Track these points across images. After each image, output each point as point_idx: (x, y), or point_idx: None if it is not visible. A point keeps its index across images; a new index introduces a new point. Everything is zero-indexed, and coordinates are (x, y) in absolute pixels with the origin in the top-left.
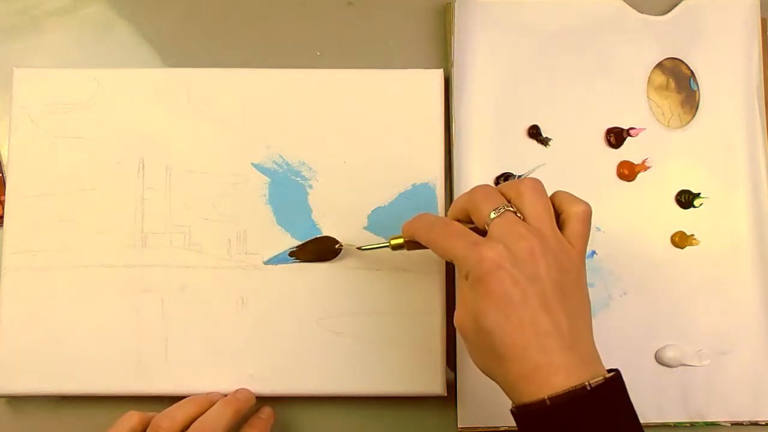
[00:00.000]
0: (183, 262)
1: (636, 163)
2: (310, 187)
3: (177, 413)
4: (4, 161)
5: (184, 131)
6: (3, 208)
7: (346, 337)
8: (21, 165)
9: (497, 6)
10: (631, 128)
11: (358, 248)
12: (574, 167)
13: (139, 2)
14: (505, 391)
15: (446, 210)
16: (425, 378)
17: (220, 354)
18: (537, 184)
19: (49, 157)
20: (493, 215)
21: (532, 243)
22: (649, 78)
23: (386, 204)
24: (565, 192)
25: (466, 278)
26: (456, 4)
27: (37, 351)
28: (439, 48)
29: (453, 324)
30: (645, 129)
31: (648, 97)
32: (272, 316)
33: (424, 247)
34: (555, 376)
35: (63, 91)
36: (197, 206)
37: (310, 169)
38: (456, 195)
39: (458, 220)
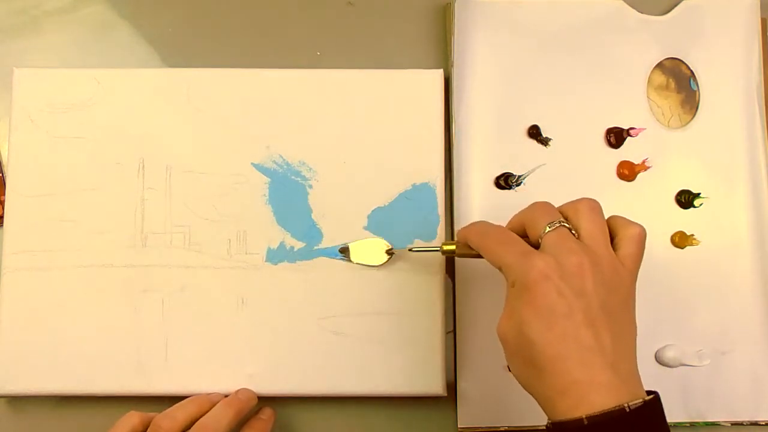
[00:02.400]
0: (183, 262)
1: (636, 163)
2: (310, 187)
3: (178, 413)
4: (4, 161)
5: (184, 131)
6: (3, 208)
7: (346, 337)
8: (21, 165)
9: (497, 6)
10: (631, 128)
11: (409, 250)
12: (574, 167)
13: (139, 2)
14: (541, 405)
15: (446, 210)
16: (425, 378)
17: (220, 354)
18: (595, 204)
19: (49, 157)
20: (547, 229)
21: (582, 258)
22: (649, 78)
23: (386, 204)
24: (621, 216)
25: (513, 286)
26: (456, 4)
27: (37, 351)
28: (439, 48)
29: (453, 324)
30: (645, 129)
31: (648, 97)
32: (272, 316)
33: (475, 255)
34: (594, 394)
35: (63, 91)
36: (197, 206)
37: (310, 169)
38: (456, 195)
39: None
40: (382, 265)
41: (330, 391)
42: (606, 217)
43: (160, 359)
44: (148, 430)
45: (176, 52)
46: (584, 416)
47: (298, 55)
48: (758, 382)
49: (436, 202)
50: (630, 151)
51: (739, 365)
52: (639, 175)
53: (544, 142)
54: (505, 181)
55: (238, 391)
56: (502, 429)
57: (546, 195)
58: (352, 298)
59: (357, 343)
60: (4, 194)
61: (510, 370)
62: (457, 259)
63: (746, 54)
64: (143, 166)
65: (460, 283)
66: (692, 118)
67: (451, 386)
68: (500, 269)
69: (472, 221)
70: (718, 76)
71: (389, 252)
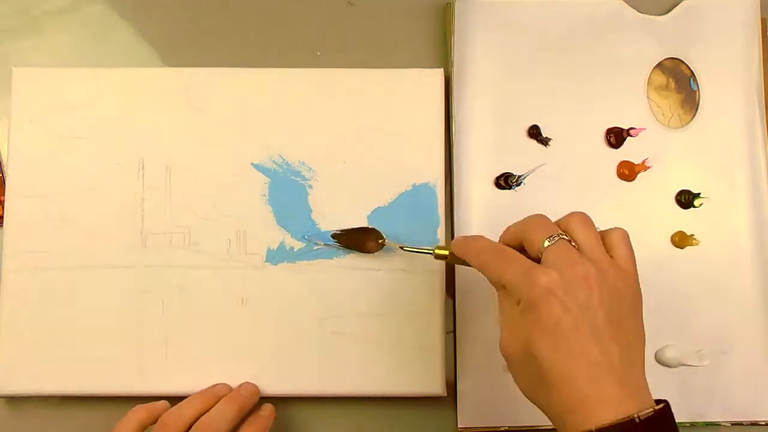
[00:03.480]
0: (183, 262)
1: (636, 163)
2: (310, 187)
3: (184, 410)
4: (4, 161)
5: (184, 131)
6: (3, 208)
7: (346, 337)
8: (21, 165)
9: (497, 6)
10: (631, 128)
11: (401, 247)
12: (574, 167)
13: (139, 2)
14: (551, 420)
15: (446, 210)
16: (425, 378)
17: (220, 354)
18: (585, 216)
19: (49, 157)
20: (547, 243)
21: (587, 269)
22: (649, 78)
23: (386, 204)
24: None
25: (518, 304)
26: (456, 4)
27: (37, 351)
28: (439, 48)
29: (453, 324)
30: (645, 129)
31: (648, 97)
32: (272, 316)
33: (467, 264)
34: (603, 409)
35: (63, 91)
36: (197, 206)
37: (310, 169)
38: (456, 195)
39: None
40: (372, 254)
41: (330, 391)
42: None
43: (160, 359)
44: (156, 426)
45: (176, 52)
46: (594, 429)
47: (298, 55)
48: (758, 382)
49: (436, 202)
50: (630, 151)
51: (739, 365)
52: (639, 175)
53: (544, 142)
54: (505, 181)
55: (241, 385)
56: (502, 429)
57: (546, 195)
58: (352, 298)
59: (357, 343)
60: (4, 194)
61: (516, 383)
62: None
63: (746, 54)
64: (143, 166)
65: (460, 283)
66: (692, 118)
67: (451, 386)
68: (502, 287)
69: (471, 221)
70: (718, 76)
71: (381, 243)
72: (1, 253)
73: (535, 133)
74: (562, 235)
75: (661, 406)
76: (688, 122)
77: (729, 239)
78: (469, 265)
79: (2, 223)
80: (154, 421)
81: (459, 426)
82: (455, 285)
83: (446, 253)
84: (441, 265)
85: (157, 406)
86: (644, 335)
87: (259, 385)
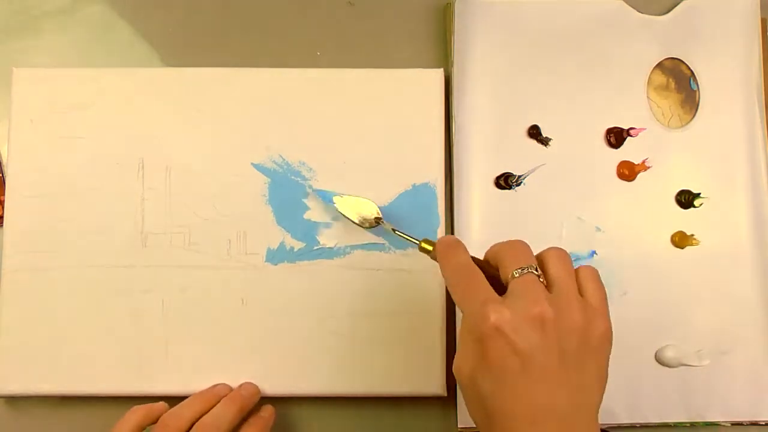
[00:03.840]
0: (183, 262)
1: (636, 163)
2: (310, 187)
3: (185, 411)
4: (4, 161)
5: (184, 131)
6: (3, 208)
7: (347, 337)
8: (21, 165)
9: (497, 6)
10: (631, 128)
11: (393, 229)
12: (574, 167)
13: (139, 2)
14: None
15: (446, 210)
16: (425, 378)
17: (221, 354)
18: (562, 252)
19: (49, 157)
20: (516, 274)
21: (545, 310)
22: (649, 78)
23: (386, 204)
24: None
25: (469, 333)
26: (456, 4)
27: (37, 351)
28: (439, 48)
29: (453, 324)
30: (645, 129)
31: (648, 97)
32: (272, 316)
33: None
34: None
35: (63, 91)
36: (197, 206)
37: (310, 169)
38: (456, 195)
39: (487, 266)
40: (364, 228)
41: (330, 391)
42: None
43: (160, 359)
44: (156, 427)
45: (176, 52)
46: None
47: (298, 55)
48: (758, 382)
49: (436, 202)
50: (630, 151)
51: (739, 365)
52: (639, 175)
53: (544, 142)
54: (505, 181)
55: (241, 385)
56: None
57: (546, 195)
58: (352, 298)
59: (357, 343)
60: (4, 194)
61: (465, 405)
62: None
63: (746, 54)
64: (143, 166)
65: None
66: (692, 118)
67: (451, 386)
68: (460, 310)
69: (471, 221)
70: (718, 76)
71: (377, 220)
72: (1, 253)
73: (535, 133)
74: (532, 268)
75: None
76: (688, 122)
77: (729, 239)
78: None
79: (2, 223)
80: (153, 422)
81: (459, 426)
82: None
83: (430, 248)
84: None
85: (156, 406)
86: (606, 378)
87: (259, 385)
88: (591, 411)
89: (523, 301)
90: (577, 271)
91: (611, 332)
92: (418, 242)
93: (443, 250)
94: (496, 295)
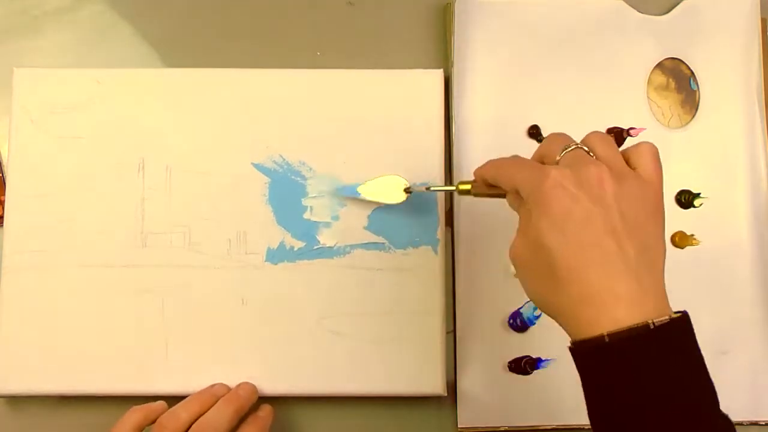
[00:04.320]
0: (183, 262)
1: None
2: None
3: (182, 412)
4: (4, 161)
5: (184, 131)
6: (3, 208)
7: (346, 337)
8: (21, 165)
9: (497, 6)
10: (631, 128)
11: (426, 189)
12: None
13: (139, 2)
14: (562, 325)
15: (446, 210)
16: (425, 378)
17: (221, 354)
18: (605, 135)
19: (49, 157)
20: (563, 153)
21: (602, 170)
22: (649, 78)
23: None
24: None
25: (527, 201)
26: (456, 4)
27: (37, 351)
28: (439, 48)
29: (453, 324)
30: (645, 129)
31: (648, 97)
32: (272, 316)
33: (490, 195)
34: (615, 306)
35: (63, 91)
36: (197, 206)
37: (310, 169)
38: (456, 195)
39: None
40: (400, 203)
41: (330, 391)
42: None
43: (160, 359)
44: (153, 428)
45: (176, 52)
46: (606, 333)
47: (298, 55)
48: (758, 382)
49: (436, 202)
50: None
51: (739, 365)
52: None
53: None
54: None
55: (239, 385)
56: (502, 429)
57: None
58: (352, 298)
59: (357, 343)
60: (4, 194)
61: (527, 294)
62: (457, 257)
63: (746, 54)
64: (143, 166)
65: (460, 282)
66: (692, 118)
67: (451, 386)
68: (516, 192)
69: (471, 222)
70: (718, 76)
71: (407, 190)
72: (1, 253)
73: (535, 133)
74: (580, 145)
75: (678, 314)
76: (688, 122)
77: (729, 239)
78: (491, 196)
79: (2, 223)
80: (152, 422)
81: (459, 426)
82: (455, 284)
83: (468, 187)
84: (441, 265)
85: (155, 406)
86: (665, 249)
87: (259, 385)
88: (658, 269)
89: (580, 163)
90: (634, 146)
91: (663, 208)
92: (455, 187)
93: (481, 169)
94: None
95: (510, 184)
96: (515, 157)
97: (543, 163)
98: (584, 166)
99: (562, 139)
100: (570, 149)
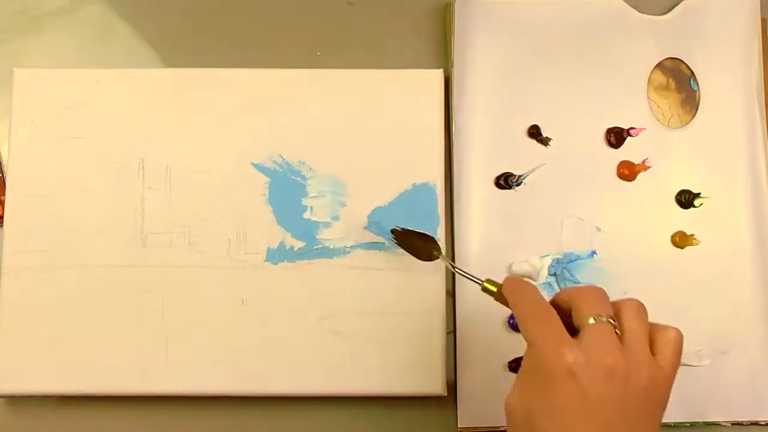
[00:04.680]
0: (183, 262)
1: (636, 163)
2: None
3: None
4: (4, 161)
5: (184, 131)
6: (3, 208)
7: (346, 337)
8: (21, 165)
9: (497, 6)
10: (631, 128)
11: (452, 266)
12: (574, 167)
13: (139, 2)
14: None
15: (446, 210)
16: (425, 378)
17: (220, 354)
18: (640, 306)
19: (49, 157)
20: (592, 320)
21: (618, 362)
22: (649, 78)
23: (386, 203)
24: (656, 322)
25: (537, 371)
26: (456, 4)
27: (37, 351)
28: (439, 48)
29: (453, 324)
30: (645, 129)
31: (648, 97)
32: (272, 316)
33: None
34: None
35: (63, 91)
36: (197, 206)
37: (310, 168)
38: (456, 195)
39: (557, 307)
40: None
41: (330, 391)
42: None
43: (160, 359)
44: None
45: (176, 52)
46: None
47: (298, 55)
48: (758, 382)
49: (436, 202)
50: (630, 151)
51: (739, 365)
52: (639, 175)
53: (544, 142)
54: (505, 181)
55: None
56: (502, 429)
57: (546, 195)
58: (352, 298)
59: (357, 343)
60: (4, 194)
61: None
62: (457, 257)
63: (746, 54)
64: (143, 166)
65: (460, 283)
66: (692, 118)
67: (451, 386)
68: (530, 345)
69: (471, 221)
70: (718, 76)
71: (436, 255)
72: (1, 253)
73: (535, 133)
74: (610, 318)
75: None
76: (688, 122)
77: (729, 239)
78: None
79: (2, 223)
80: None
81: (459, 426)
82: (455, 285)
83: (495, 289)
84: (441, 265)
85: None
86: None
87: (258, 385)
88: None
89: (599, 350)
90: (662, 330)
91: (668, 400)
92: (481, 282)
93: (513, 286)
94: (571, 337)
95: (527, 339)
96: (544, 310)
97: (564, 309)
98: (602, 356)
99: (598, 300)
100: (600, 320)
